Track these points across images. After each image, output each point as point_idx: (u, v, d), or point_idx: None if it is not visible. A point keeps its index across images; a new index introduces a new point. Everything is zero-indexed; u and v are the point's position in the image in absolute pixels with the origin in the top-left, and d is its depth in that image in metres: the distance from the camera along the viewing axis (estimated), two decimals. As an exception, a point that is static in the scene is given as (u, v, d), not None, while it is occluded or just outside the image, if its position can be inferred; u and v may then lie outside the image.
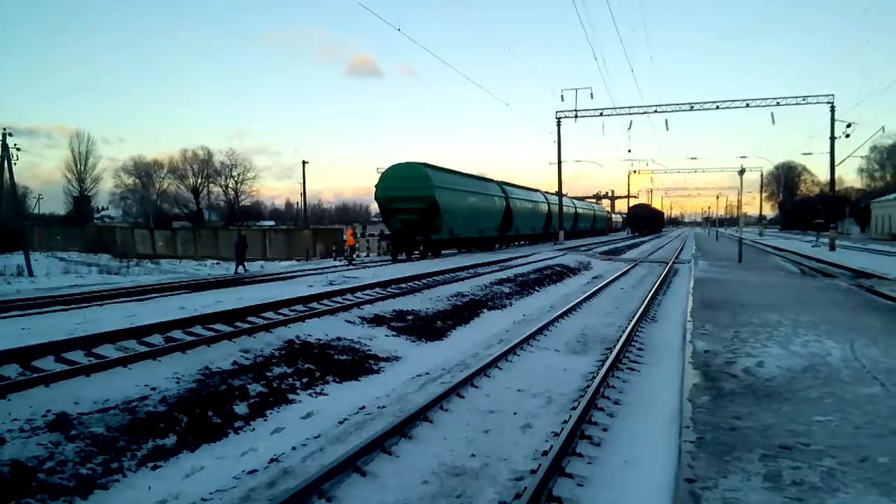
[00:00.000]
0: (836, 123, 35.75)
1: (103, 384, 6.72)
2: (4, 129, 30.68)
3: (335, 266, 26.05)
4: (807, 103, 36.86)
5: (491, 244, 36.98)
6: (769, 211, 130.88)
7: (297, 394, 7.65)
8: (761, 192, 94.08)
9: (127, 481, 5.23)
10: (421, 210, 27.31)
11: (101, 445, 5.53)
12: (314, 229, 52.59)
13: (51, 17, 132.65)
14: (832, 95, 36.03)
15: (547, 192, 51.21)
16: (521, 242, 43.84)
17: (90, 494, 4.93)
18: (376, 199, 29.17)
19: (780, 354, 8.13)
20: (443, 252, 30.51)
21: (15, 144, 30.79)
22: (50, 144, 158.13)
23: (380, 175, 29.02)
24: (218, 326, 9.79)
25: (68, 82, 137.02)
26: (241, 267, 26.37)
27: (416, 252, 28.66)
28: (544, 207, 47.21)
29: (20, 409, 5.84)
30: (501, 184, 38.78)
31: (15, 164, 31.03)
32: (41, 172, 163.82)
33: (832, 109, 35.91)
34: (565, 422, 6.12)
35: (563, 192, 48.38)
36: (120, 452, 5.55)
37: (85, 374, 6.91)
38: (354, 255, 30.21)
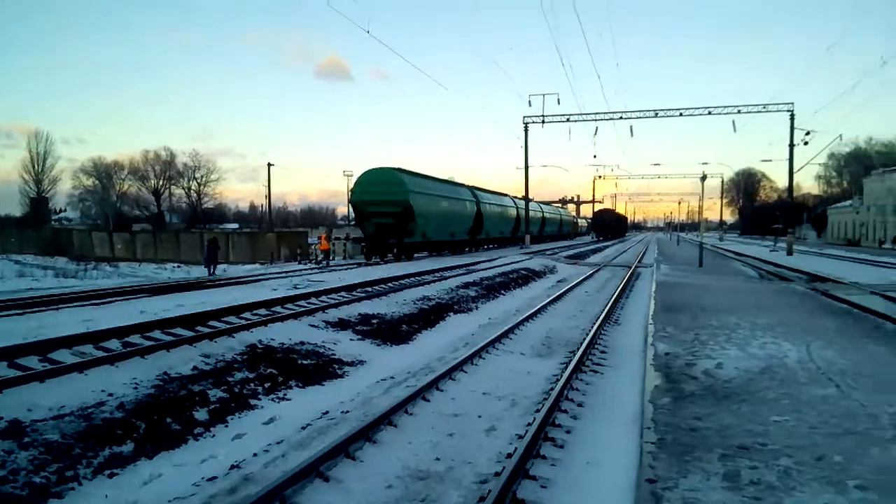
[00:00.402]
0: (795, 131, 36.82)
1: (58, 390, 6.53)
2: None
3: (300, 269, 25.82)
4: (767, 111, 37.85)
5: (462, 247, 37.88)
6: (729, 216, 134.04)
7: (259, 399, 7.53)
8: (722, 197, 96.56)
9: (82, 489, 5.09)
10: (395, 214, 28.05)
11: (55, 453, 5.37)
12: (278, 232, 52.05)
13: (14, 15, 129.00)
14: (791, 104, 37.09)
15: (515, 197, 51.72)
16: (491, 246, 44.57)
17: (43, 504, 4.78)
18: (351, 202, 30.19)
19: (738, 356, 8.31)
20: (415, 255, 31.03)
21: (-33, 144, 29.78)
22: (9, 144, 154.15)
23: (356, 179, 29.68)
24: (178, 331, 9.59)
25: (30, 81, 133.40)
26: (211, 269, 26.20)
27: (389, 255, 29.25)
28: (513, 212, 47.90)
29: (-31, 417, 5.63)
30: (473, 189, 39.73)
31: (-32, 163, 29.99)
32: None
33: (791, 117, 36.94)
34: (529, 424, 6.14)
35: (530, 196, 48.81)
36: (76, 460, 5.39)
37: (39, 381, 6.70)
38: (329, 259, 30.21)
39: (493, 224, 41.77)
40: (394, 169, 29.14)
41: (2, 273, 31.52)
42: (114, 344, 8.55)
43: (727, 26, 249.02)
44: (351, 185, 29.60)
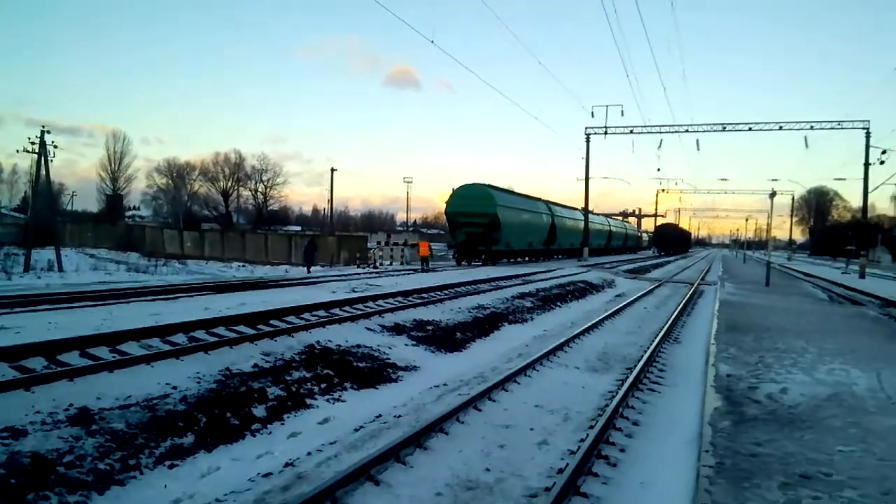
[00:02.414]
0: (871, 150, 35.17)
1: (126, 381, 6.81)
2: (43, 126, 31.37)
3: (358, 273, 26.28)
4: (842, 128, 36.47)
5: (538, 256, 41.72)
6: (799, 236, 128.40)
7: (315, 399, 7.68)
8: (791, 216, 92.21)
9: (144, 479, 5.29)
10: (484, 224, 31.86)
11: (120, 442, 5.60)
12: (339, 236, 52.93)
13: (100, 21, 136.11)
14: (867, 121, 35.62)
15: (584, 210, 52.10)
16: (562, 256, 47.26)
17: (107, 490, 4.99)
18: (445, 213, 34.45)
19: (804, 381, 7.98)
20: (498, 261, 34.50)
21: (52, 142, 31.40)
22: (90, 143, 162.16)
23: (451, 192, 33.73)
24: (241, 328, 9.88)
25: (115, 84, 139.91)
26: (308, 268, 28.53)
27: (476, 260, 33.51)
28: (583, 225, 48.32)
29: (43, 402, 5.93)
30: (548, 203, 43.64)
31: (52, 160, 31.60)
32: (79, 170, 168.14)
33: (867, 135, 35.34)
34: (582, 440, 6.06)
35: (593, 208, 48.53)
36: (139, 449, 5.61)
37: (108, 370, 7.02)
38: (427, 264, 31.07)
39: (564, 236, 45.06)
40: (484, 185, 33.06)
41: (77, 266, 33.08)
42: (180, 338, 8.88)
43: (801, 39, 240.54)
44: (411, 192, 31.66)
